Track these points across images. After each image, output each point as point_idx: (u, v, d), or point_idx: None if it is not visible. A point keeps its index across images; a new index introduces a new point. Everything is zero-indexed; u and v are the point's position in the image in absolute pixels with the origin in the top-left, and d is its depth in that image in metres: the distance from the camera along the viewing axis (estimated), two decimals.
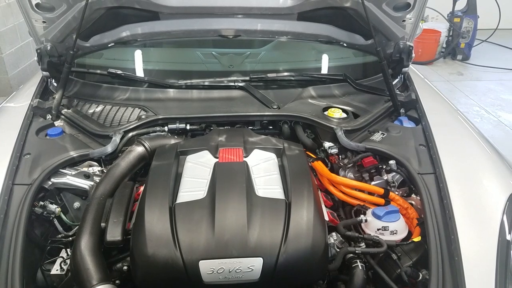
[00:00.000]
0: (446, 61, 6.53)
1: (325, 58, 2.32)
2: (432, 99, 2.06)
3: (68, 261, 1.37)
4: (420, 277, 1.32)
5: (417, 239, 1.41)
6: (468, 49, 6.42)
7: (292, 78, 2.14)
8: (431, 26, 6.38)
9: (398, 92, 2.05)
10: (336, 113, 1.90)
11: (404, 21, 1.97)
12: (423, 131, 1.79)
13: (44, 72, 2.04)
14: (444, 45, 6.53)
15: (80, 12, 1.77)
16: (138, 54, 2.26)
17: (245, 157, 1.54)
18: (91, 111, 1.96)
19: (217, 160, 1.51)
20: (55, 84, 2.07)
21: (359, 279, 1.29)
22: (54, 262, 1.40)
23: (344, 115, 1.92)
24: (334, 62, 2.34)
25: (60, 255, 1.43)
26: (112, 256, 1.37)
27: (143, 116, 1.87)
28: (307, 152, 1.81)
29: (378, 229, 1.44)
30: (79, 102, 2.03)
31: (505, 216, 1.36)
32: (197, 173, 1.46)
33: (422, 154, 1.65)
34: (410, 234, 1.48)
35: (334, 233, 1.44)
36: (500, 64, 6.14)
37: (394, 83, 2.08)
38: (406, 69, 2.13)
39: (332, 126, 1.81)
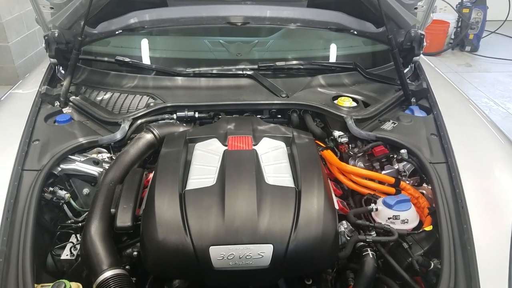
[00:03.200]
0: (454, 53, 6.45)
1: (334, 46, 2.29)
2: (444, 89, 2.04)
3: (78, 246, 1.37)
4: (432, 266, 1.30)
5: (428, 228, 1.39)
6: (477, 41, 6.34)
7: (301, 67, 2.12)
8: (440, 17, 6.27)
9: (409, 82, 2.03)
10: (346, 102, 1.88)
11: (416, 8, 1.94)
12: (434, 120, 1.77)
13: (51, 59, 2.03)
14: (453, 36, 6.44)
15: None
16: (145, 42, 2.24)
17: (254, 145, 1.53)
18: (99, 98, 1.96)
19: (226, 148, 1.49)
20: (62, 72, 2.06)
21: (370, 267, 1.28)
22: (64, 247, 1.40)
23: (354, 104, 1.89)
24: (344, 50, 2.31)
25: (70, 240, 1.43)
26: (122, 242, 1.37)
27: (151, 104, 1.86)
28: (317, 141, 1.79)
29: (389, 218, 1.42)
30: (87, 89, 2.02)
31: None
32: (206, 161, 1.45)
33: (434, 144, 1.63)
34: (421, 223, 1.46)
35: (344, 222, 1.43)
36: (509, 55, 6.05)
37: (405, 72, 2.05)
38: (417, 58, 2.10)
39: (342, 115, 1.79)
